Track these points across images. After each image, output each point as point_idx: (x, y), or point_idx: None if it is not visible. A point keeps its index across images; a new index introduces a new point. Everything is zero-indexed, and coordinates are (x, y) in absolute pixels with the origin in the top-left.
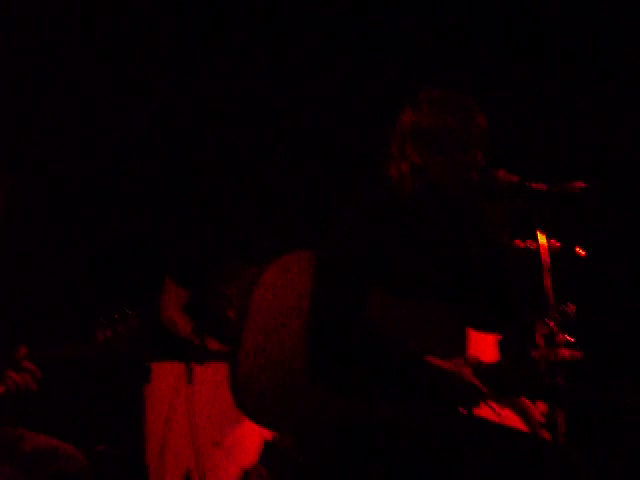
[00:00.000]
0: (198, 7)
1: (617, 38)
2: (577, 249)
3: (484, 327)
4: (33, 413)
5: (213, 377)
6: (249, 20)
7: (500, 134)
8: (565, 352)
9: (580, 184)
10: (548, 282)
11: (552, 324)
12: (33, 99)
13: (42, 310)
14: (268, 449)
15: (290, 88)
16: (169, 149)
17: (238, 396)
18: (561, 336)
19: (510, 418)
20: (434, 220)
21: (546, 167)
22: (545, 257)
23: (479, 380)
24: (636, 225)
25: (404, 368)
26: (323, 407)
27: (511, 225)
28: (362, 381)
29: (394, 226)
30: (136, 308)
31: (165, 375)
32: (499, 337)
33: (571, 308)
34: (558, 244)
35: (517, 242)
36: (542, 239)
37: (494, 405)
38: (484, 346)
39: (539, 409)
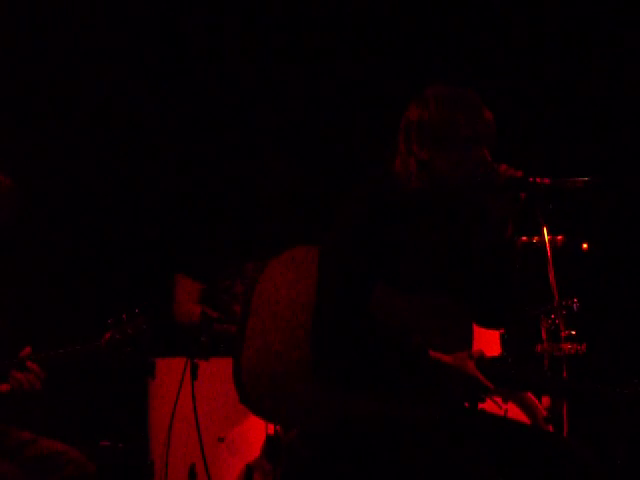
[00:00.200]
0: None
1: (620, 29)
2: (581, 244)
3: (488, 322)
4: (38, 409)
5: (217, 372)
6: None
7: (504, 129)
8: (569, 346)
9: (584, 179)
10: (552, 277)
11: (556, 319)
12: (33, 98)
13: (49, 311)
14: (271, 443)
15: (293, 82)
16: (173, 148)
17: (242, 391)
18: (565, 330)
19: (514, 412)
20: (439, 215)
21: (550, 162)
22: (549, 252)
23: (483, 374)
24: (638, 219)
25: (408, 362)
26: (327, 401)
27: (515, 220)
28: (366, 375)
29: (399, 220)
30: (144, 309)
31: (170, 371)
32: (503, 332)
33: (575, 302)
34: (562, 239)
35: (521, 237)
36: (546, 234)
37: (498, 399)
38: (488, 340)
39: (543, 403)
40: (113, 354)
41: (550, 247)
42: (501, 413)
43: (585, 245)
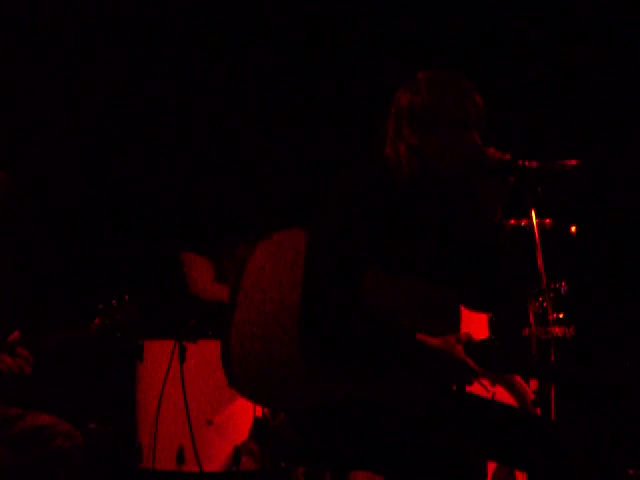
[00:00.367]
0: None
1: (613, 13)
2: (569, 227)
3: (477, 305)
4: (25, 391)
5: (206, 355)
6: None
7: (492, 112)
8: (557, 329)
9: (572, 162)
10: (540, 260)
11: (544, 302)
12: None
13: (39, 296)
14: (260, 426)
15: (285, 65)
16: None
17: (230, 374)
18: (553, 313)
19: (502, 395)
20: (428, 198)
21: (538, 145)
22: (537, 235)
23: (471, 358)
24: (628, 203)
25: (396, 345)
26: (315, 384)
27: (503, 203)
28: (354, 358)
29: (388, 204)
30: (133, 295)
31: (158, 353)
32: (491, 315)
33: (563, 285)
34: (550, 222)
35: (509, 220)
36: (534, 217)
37: (486, 383)
38: (476, 323)
39: (531, 386)
40: (102, 340)
41: (538, 230)
42: (489, 396)
43: (573, 228)
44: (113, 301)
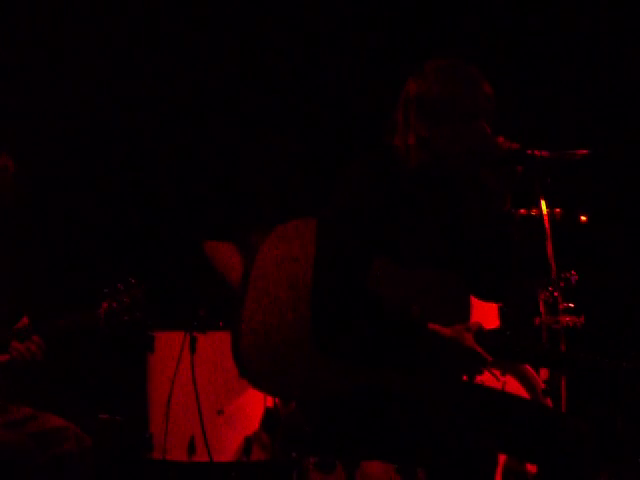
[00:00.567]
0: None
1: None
2: (579, 216)
3: (487, 295)
4: (38, 382)
5: (216, 346)
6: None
7: (501, 101)
8: (567, 319)
9: (582, 151)
10: (550, 249)
11: (554, 291)
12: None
13: (47, 281)
14: (270, 416)
15: (290, 57)
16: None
17: (241, 364)
18: (563, 303)
19: (512, 385)
20: (437, 188)
21: (548, 134)
22: (547, 224)
23: (481, 347)
24: (637, 192)
25: (407, 335)
26: (325, 374)
27: (513, 193)
28: (365, 348)
29: (398, 194)
30: (139, 278)
31: (169, 344)
32: (502, 305)
33: (573, 275)
34: (560, 211)
35: (519, 210)
36: (544, 207)
37: (496, 372)
38: (487, 313)
39: (541, 375)
40: (111, 323)
41: (548, 220)
42: (499, 386)
43: (583, 218)
44: (119, 285)
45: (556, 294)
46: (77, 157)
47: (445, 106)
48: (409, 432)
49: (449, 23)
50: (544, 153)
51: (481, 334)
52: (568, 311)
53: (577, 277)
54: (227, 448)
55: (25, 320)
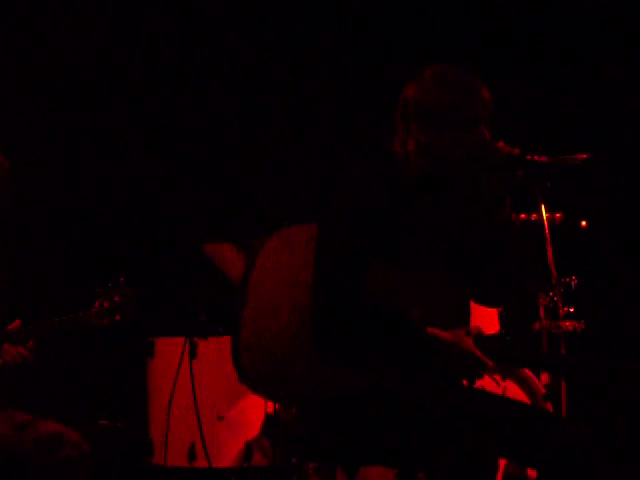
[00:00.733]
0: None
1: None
2: (579, 221)
3: (487, 300)
4: (38, 388)
5: (216, 351)
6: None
7: (500, 106)
8: (567, 323)
9: (582, 156)
10: (550, 254)
11: (554, 296)
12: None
13: (38, 283)
14: (271, 421)
15: (292, 60)
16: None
17: (241, 370)
18: (563, 308)
19: (512, 389)
20: (437, 193)
21: (547, 139)
22: (547, 229)
23: (481, 352)
24: (637, 197)
25: (406, 339)
26: (326, 378)
27: (512, 197)
28: (364, 352)
29: (397, 197)
30: (128, 277)
31: (169, 350)
32: (502, 309)
33: (573, 280)
34: (560, 216)
35: (519, 215)
36: (544, 211)
37: (496, 377)
38: (486, 318)
39: (541, 380)
40: (103, 322)
41: (548, 225)
42: (499, 390)
43: (584, 222)
44: (109, 283)
45: (556, 299)
46: (76, 159)
47: (444, 112)
48: (409, 436)
49: (448, 25)
50: (544, 158)
51: (481, 339)
52: (568, 316)
53: (577, 282)
54: (228, 453)
55: (17, 323)
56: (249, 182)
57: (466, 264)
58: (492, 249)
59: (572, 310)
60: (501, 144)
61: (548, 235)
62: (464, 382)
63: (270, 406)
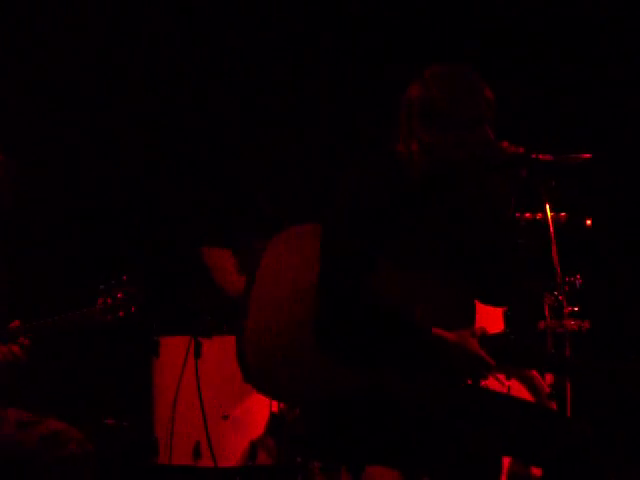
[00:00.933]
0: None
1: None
2: (584, 220)
3: (492, 299)
4: (44, 387)
5: (221, 350)
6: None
7: (504, 105)
8: (572, 323)
9: (586, 155)
10: (555, 253)
11: (559, 295)
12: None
13: (39, 283)
14: (276, 421)
15: (292, 60)
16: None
17: (245, 370)
18: (568, 307)
19: (517, 389)
20: (441, 193)
21: (547, 139)
22: (552, 228)
23: (486, 352)
24: None
25: (411, 339)
26: (330, 378)
27: (516, 197)
28: (369, 352)
29: (401, 199)
30: (130, 274)
31: (174, 349)
32: (506, 309)
33: (578, 279)
34: (565, 215)
35: (523, 214)
36: (548, 211)
37: (501, 376)
38: (491, 318)
39: (546, 380)
40: (107, 318)
41: (553, 224)
42: (504, 390)
43: (588, 221)
44: (112, 280)
45: (561, 298)
46: (81, 159)
47: (448, 112)
48: (412, 436)
49: (448, 25)
50: (548, 157)
51: (485, 338)
52: (573, 315)
53: (582, 281)
54: (233, 453)
55: (16, 323)
56: (249, 182)
57: (470, 264)
58: (497, 248)
59: (577, 309)
60: (505, 144)
61: (553, 234)
62: (469, 382)
63: (275, 405)
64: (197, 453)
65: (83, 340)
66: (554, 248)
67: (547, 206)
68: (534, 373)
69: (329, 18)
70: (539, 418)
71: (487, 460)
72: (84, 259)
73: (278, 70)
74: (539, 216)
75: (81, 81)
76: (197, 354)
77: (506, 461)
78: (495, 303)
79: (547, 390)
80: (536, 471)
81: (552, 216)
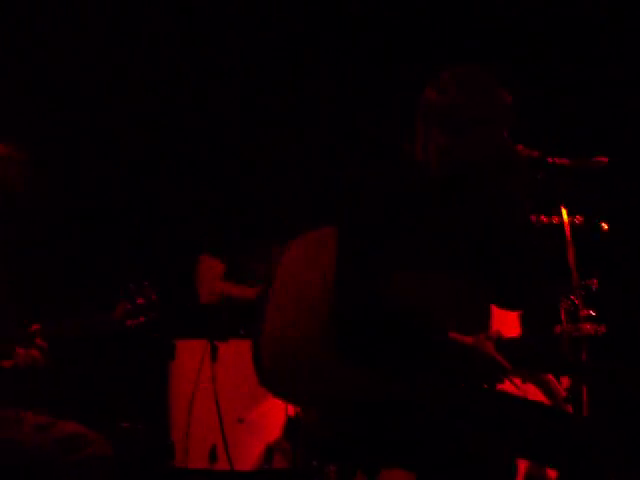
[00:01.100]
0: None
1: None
2: (600, 224)
3: (508, 303)
4: (59, 391)
5: (237, 354)
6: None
7: (521, 108)
8: (588, 327)
9: (602, 158)
10: (571, 257)
11: (575, 299)
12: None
13: (61, 285)
14: (292, 424)
15: (292, 60)
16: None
17: (261, 373)
18: (584, 311)
19: (533, 393)
20: (458, 197)
21: (568, 142)
22: (568, 232)
23: (502, 356)
24: None
25: (428, 343)
26: (346, 382)
27: (533, 200)
28: (385, 356)
29: (418, 202)
30: (151, 280)
31: (190, 352)
32: (522, 313)
33: (594, 283)
34: (581, 219)
35: (540, 217)
36: (565, 214)
37: (517, 381)
38: (507, 322)
39: (562, 384)
40: (126, 323)
41: (569, 227)
42: (520, 394)
43: (605, 225)
44: (132, 286)
45: (577, 302)
46: (81, 159)
47: (464, 115)
48: (428, 440)
49: (449, 25)
50: (565, 161)
51: (501, 343)
52: (589, 319)
53: (598, 285)
54: (249, 456)
55: (35, 326)
56: (249, 182)
57: (487, 267)
58: (513, 252)
59: (593, 313)
60: (521, 147)
61: (569, 238)
62: (485, 386)
63: (291, 409)
64: (213, 457)
65: (100, 344)
66: (570, 252)
67: (563, 210)
68: (550, 377)
69: (329, 18)
70: (555, 421)
71: (504, 463)
72: (105, 263)
73: (278, 70)
74: (555, 220)
75: (81, 81)
76: (213, 357)
77: (523, 464)
78: (512, 306)
79: (563, 394)
80: (552, 473)
81: (568, 220)
